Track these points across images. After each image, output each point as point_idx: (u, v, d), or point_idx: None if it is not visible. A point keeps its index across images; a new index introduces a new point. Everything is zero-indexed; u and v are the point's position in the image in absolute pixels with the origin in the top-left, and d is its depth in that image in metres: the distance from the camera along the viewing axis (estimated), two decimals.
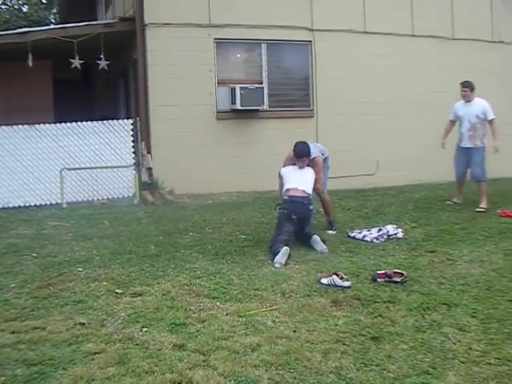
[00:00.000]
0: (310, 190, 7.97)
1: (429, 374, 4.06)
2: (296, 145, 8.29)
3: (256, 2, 12.41)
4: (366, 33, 13.40)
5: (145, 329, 4.82)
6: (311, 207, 8.02)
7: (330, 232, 8.62)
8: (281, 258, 6.87)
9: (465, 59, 14.21)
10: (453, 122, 10.91)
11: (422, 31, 13.87)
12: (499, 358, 4.30)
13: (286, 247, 7.04)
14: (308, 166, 8.22)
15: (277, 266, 6.75)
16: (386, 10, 13.51)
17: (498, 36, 14.90)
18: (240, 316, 5.10)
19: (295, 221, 7.69)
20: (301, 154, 8.13)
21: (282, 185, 8.27)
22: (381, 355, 4.35)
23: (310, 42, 13.00)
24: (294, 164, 8.22)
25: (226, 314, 5.16)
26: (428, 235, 8.24)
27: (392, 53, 13.53)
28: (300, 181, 7.99)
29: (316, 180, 8.16)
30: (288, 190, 7.96)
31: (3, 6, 31.71)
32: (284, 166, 8.38)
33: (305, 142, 8.32)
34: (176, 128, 11.82)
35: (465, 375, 4.05)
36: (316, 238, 7.63)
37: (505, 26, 14.89)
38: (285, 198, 8.01)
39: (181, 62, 11.92)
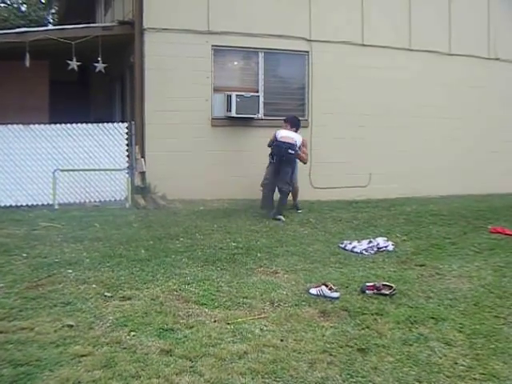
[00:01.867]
0: (297, 142, 10.70)
1: None
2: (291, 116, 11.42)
3: (255, 11, 12.45)
4: (363, 45, 13.45)
5: (133, 333, 4.83)
6: (291, 151, 10.51)
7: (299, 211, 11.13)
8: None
9: (460, 74, 14.31)
10: None
11: (419, 45, 13.94)
12: (484, 374, 4.33)
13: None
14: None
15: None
16: (383, 24, 13.57)
17: (495, 53, 14.98)
18: (228, 323, 5.11)
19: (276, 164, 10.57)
20: (290, 120, 11.24)
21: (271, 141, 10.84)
22: (367, 367, 4.36)
23: (308, 52, 13.04)
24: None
25: (214, 321, 5.17)
26: (418, 249, 8.28)
27: (389, 66, 13.58)
28: (288, 135, 10.73)
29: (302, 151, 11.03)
30: (280, 137, 10.66)
31: (2, 4, 31.68)
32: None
33: (295, 116, 11.47)
34: (170, 133, 11.82)
35: None
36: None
37: (501, 42, 14.97)
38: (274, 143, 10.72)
39: (178, 68, 11.93)
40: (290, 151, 10.52)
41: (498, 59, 15.03)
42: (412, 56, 13.93)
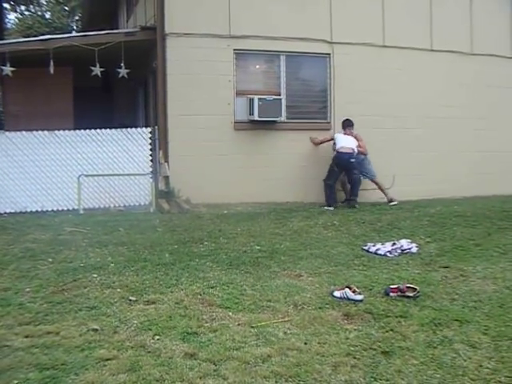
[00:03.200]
0: (354, 147, 12.19)
1: None
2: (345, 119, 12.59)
3: (276, 14, 12.47)
4: (384, 46, 13.41)
5: (157, 337, 4.85)
6: (352, 160, 12.07)
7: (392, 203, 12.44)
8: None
9: (483, 74, 14.21)
10: None
11: (440, 46, 13.87)
12: (510, 377, 4.27)
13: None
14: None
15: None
16: (405, 25, 13.51)
17: None
18: (252, 327, 5.12)
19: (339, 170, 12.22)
20: (346, 123, 12.54)
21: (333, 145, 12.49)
22: (391, 370, 4.34)
23: (329, 54, 13.04)
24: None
25: (238, 325, 5.18)
26: (442, 250, 8.21)
27: (410, 67, 13.56)
28: (346, 144, 12.15)
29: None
30: (340, 148, 12.13)
31: (26, 12, 32.03)
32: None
33: (349, 119, 12.57)
34: (194, 137, 11.89)
35: None
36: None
37: None
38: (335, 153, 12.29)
39: (200, 72, 12.01)
40: (351, 160, 12.14)
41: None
42: (434, 57, 13.85)
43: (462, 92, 13.98)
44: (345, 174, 12.48)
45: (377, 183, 12.92)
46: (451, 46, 13.99)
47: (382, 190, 12.90)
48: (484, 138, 14.16)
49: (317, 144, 12.85)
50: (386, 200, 12.69)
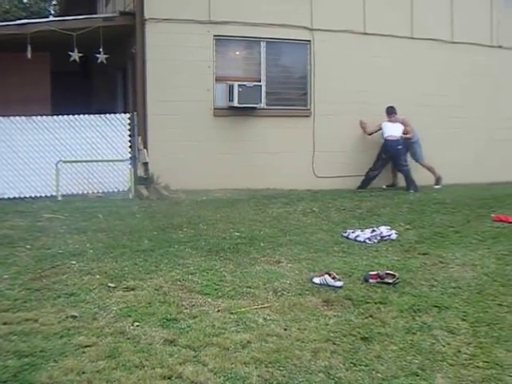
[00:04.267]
0: (399, 134, 12.88)
1: (417, 375, 4.08)
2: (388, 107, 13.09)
3: (257, 1, 12.40)
4: (365, 34, 13.40)
5: (136, 323, 4.83)
6: (399, 147, 12.81)
7: (437, 186, 13.38)
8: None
9: (463, 63, 14.25)
10: None
11: (420, 34, 13.89)
12: (488, 362, 4.32)
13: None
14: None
15: None
16: (385, 12, 13.50)
17: (497, 41, 14.92)
18: (231, 313, 5.12)
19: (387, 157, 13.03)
20: (389, 111, 13.09)
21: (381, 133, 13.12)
22: (370, 355, 4.36)
23: (310, 41, 13.01)
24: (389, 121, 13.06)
25: (218, 311, 5.17)
26: (421, 237, 8.26)
27: (390, 54, 13.57)
28: (392, 132, 12.85)
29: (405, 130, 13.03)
30: (388, 136, 12.83)
31: None
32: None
33: (391, 106, 13.12)
34: (173, 123, 11.83)
35: (453, 378, 4.08)
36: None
37: (504, 30, 14.91)
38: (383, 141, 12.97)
39: (179, 58, 11.92)
40: (398, 147, 12.86)
41: (500, 47, 14.99)
42: (414, 44, 13.88)
43: (443, 80, 14.01)
44: (392, 161, 13.23)
45: (424, 165, 13.54)
46: (431, 34, 14.02)
47: (431, 171, 13.60)
48: (461, 127, 14.20)
49: (369, 134, 13.38)
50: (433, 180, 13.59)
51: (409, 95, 13.65)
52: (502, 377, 4.11)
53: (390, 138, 12.83)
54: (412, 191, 12.57)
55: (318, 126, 12.95)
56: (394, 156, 13.00)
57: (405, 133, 13.11)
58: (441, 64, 14.10)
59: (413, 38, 13.89)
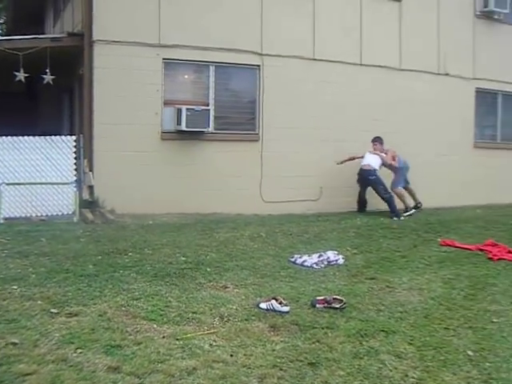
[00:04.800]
0: (374, 165, 13.06)
1: None
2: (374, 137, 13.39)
3: (207, 25, 12.40)
4: (314, 59, 13.53)
5: (79, 350, 4.70)
6: (371, 177, 12.99)
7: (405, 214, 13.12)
8: None
9: (410, 90, 14.52)
10: None
11: (369, 60, 14.13)
12: None
13: None
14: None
15: None
16: (335, 38, 13.70)
17: (444, 68, 15.29)
18: (177, 339, 5.03)
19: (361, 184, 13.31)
20: (372, 140, 13.37)
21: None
22: (317, 381, 4.34)
23: (259, 66, 13.06)
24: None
25: (163, 337, 5.08)
26: (368, 262, 8.32)
27: (339, 80, 13.73)
28: (367, 161, 13.10)
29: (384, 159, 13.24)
30: (362, 165, 13.07)
31: None
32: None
33: (376, 136, 13.44)
34: (120, 146, 11.68)
35: None
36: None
37: (451, 58, 15.31)
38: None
39: (128, 81, 11.81)
40: (370, 177, 13.07)
41: (447, 75, 15.35)
42: (363, 70, 14.10)
43: (391, 106, 14.23)
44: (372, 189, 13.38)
45: (396, 192, 13.45)
46: (380, 61, 14.28)
47: (403, 199, 13.52)
48: (410, 152, 14.38)
49: (344, 162, 13.45)
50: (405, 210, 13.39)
51: (356, 121, 13.82)
52: None
53: (362, 168, 13.10)
54: (395, 218, 12.57)
55: (266, 151, 12.97)
56: (368, 185, 13.26)
57: (386, 164, 13.34)
58: (388, 90, 14.33)
59: (361, 65, 14.11)
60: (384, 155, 13.31)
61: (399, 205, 13.23)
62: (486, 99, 16.64)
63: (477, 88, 16.10)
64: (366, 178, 13.11)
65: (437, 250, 9.31)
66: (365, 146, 13.49)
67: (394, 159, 13.40)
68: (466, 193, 15.20)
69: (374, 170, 13.07)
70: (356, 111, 13.92)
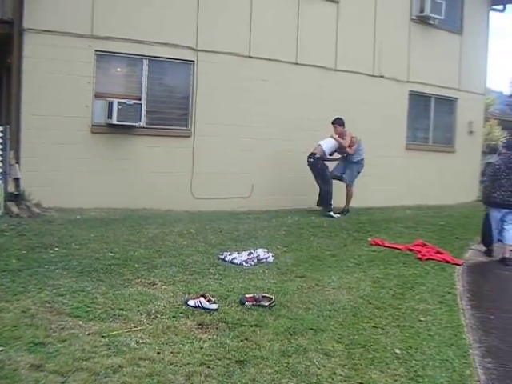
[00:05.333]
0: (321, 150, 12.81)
1: None
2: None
3: (141, 18, 12.23)
4: (249, 57, 13.53)
5: (1, 348, 4.55)
6: (310, 159, 12.70)
7: (337, 215, 12.74)
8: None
9: (345, 90, 14.70)
10: None
11: (305, 60, 14.24)
12: (362, 383, 4.38)
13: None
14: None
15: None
16: (271, 37, 13.74)
17: (379, 70, 15.55)
18: (103, 336, 4.94)
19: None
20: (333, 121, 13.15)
21: None
22: (245, 379, 4.32)
23: (193, 61, 12.96)
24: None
25: (88, 334, 4.97)
26: (298, 260, 8.36)
27: (274, 78, 13.77)
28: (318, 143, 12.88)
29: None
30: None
31: None
32: None
33: (337, 117, 13.19)
34: (48, 139, 11.39)
35: None
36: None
37: (386, 61, 15.60)
38: None
39: (58, 72, 11.52)
40: (309, 159, 12.81)
41: (382, 77, 15.61)
42: (298, 69, 14.20)
43: (323, 106, 14.35)
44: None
45: (347, 190, 13.33)
46: (316, 61, 14.40)
47: (348, 198, 13.34)
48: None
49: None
50: (343, 206, 13.21)
51: (291, 119, 13.90)
52: None
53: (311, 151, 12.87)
54: (328, 213, 12.62)
55: (197, 147, 12.89)
56: (310, 169, 12.95)
57: (342, 146, 13.10)
58: (323, 90, 14.46)
59: (297, 64, 14.19)
60: (342, 140, 13.07)
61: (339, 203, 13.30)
62: (419, 102, 17.05)
63: (410, 91, 16.51)
64: (308, 161, 12.84)
65: (367, 250, 9.44)
66: (298, 144, 13.58)
67: (350, 146, 13.13)
68: (398, 194, 15.53)
69: (314, 154, 12.80)
70: (291, 110, 14.00)
